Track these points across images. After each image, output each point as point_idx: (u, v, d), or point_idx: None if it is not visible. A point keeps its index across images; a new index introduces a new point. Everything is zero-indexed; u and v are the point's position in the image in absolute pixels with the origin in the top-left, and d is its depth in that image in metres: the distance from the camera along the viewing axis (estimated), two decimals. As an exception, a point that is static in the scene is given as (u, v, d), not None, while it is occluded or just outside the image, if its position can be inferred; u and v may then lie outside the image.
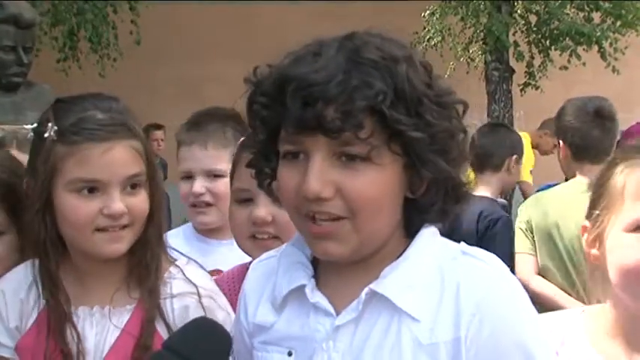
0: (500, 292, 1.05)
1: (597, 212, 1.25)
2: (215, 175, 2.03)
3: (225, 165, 2.02)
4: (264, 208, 1.53)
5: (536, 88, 8.76)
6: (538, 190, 3.90)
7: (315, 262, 1.12)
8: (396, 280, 1.05)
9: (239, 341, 1.20)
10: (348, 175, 1.01)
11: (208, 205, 1.99)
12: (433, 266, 1.06)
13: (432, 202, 1.05)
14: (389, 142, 1.00)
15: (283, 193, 1.06)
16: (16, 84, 4.50)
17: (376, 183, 1.01)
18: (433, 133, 1.01)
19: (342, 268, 1.09)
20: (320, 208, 1.01)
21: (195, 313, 1.37)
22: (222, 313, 1.41)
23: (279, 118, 1.02)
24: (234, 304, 1.46)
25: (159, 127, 7.24)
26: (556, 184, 3.43)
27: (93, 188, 1.34)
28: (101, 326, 1.38)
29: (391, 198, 1.03)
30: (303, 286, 1.09)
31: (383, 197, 1.02)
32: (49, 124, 1.36)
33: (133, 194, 1.37)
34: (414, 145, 1.00)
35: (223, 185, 2.00)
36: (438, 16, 8.57)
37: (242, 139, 1.66)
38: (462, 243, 1.11)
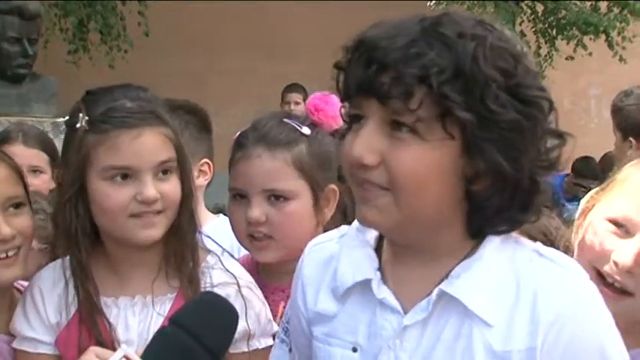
0: (581, 303, 1.02)
1: (600, 188, 1.30)
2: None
3: None
4: (257, 209, 1.53)
5: (542, 78, 8.70)
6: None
7: (378, 252, 1.09)
8: (468, 282, 1.01)
9: (296, 328, 1.18)
10: (393, 146, 0.98)
11: None
12: (507, 268, 1.02)
13: (489, 197, 1.00)
14: (442, 119, 0.96)
15: (343, 156, 1.05)
16: (21, 76, 4.50)
17: (421, 159, 0.97)
18: (493, 121, 0.96)
19: (405, 263, 1.06)
20: (364, 175, 1.00)
21: (235, 302, 1.38)
22: (259, 303, 1.43)
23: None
24: None
25: None
26: (567, 175, 3.39)
27: (125, 175, 1.36)
28: (144, 315, 1.40)
29: (438, 180, 0.99)
30: (368, 280, 1.06)
31: (426, 175, 0.98)
32: (80, 115, 1.38)
33: (165, 180, 1.39)
34: (467, 128, 0.96)
35: None
36: (444, 5, 8.53)
37: (237, 134, 1.66)
38: (538, 243, 1.07)
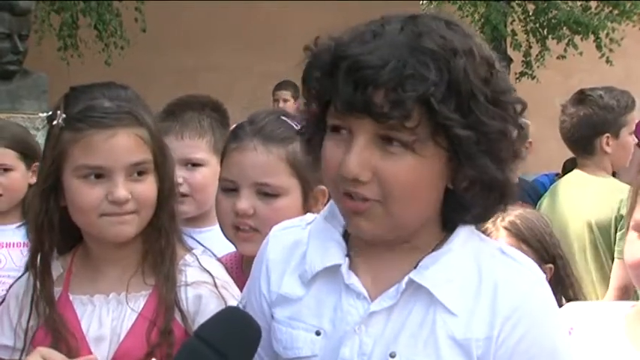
0: (536, 300, 1.07)
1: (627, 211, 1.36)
2: (192, 164, 2.02)
3: (202, 154, 2.02)
4: (246, 201, 1.53)
5: (532, 78, 8.75)
6: (534, 181, 3.89)
7: (346, 239, 1.11)
8: (437, 273, 1.05)
9: (255, 310, 1.19)
10: (387, 160, 1.00)
11: (184, 195, 1.96)
12: (472, 262, 1.06)
13: (475, 198, 1.04)
14: (434, 134, 0.98)
15: (325, 166, 1.06)
16: (11, 72, 4.48)
17: (414, 172, 1.00)
18: (484, 132, 0.99)
19: (375, 252, 1.09)
20: (355, 189, 1.01)
21: (208, 302, 1.39)
22: (235, 303, 1.40)
23: (331, 92, 1.01)
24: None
25: None
26: (557, 175, 3.42)
27: (99, 174, 1.37)
28: (118, 312, 1.40)
29: (428, 188, 1.03)
30: (337, 266, 1.09)
31: (419, 186, 1.01)
32: (58, 112, 1.39)
33: (138, 181, 1.39)
34: (462, 143, 0.99)
35: (200, 175, 2.01)
36: (435, 4, 8.54)
37: (233, 127, 1.66)
38: (501, 241, 1.12)
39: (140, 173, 1.39)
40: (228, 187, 1.57)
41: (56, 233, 1.42)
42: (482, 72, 1.00)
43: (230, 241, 1.62)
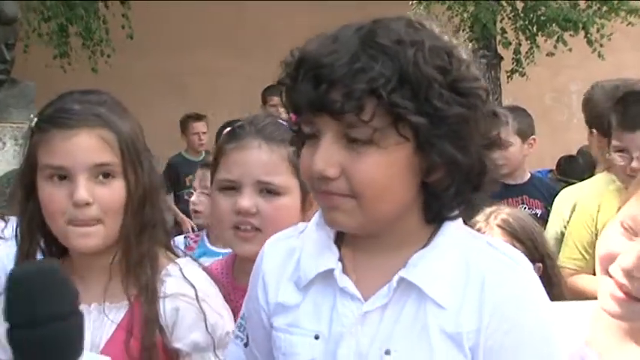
0: (524, 292, 1.08)
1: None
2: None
3: None
4: (249, 199, 1.52)
5: (522, 75, 8.77)
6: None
7: (338, 243, 1.14)
8: (425, 269, 1.07)
9: (255, 322, 1.20)
10: (352, 157, 1.03)
11: None
12: (460, 256, 1.09)
13: (446, 186, 1.06)
14: (395, 125, 1.01)
15: (301, 170, 1.10)
16: (-1, 81, 4.46)
17: (380, 166, 1.03)
18: (441, 118, 1.02)
19: (366, 253, 1.12)
20: (327, 187, 1.05)
21: (184, 314, 1.38)
22: (214, 316, 1.41)
23: (298, 97, 1.05)
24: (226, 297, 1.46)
25: (199, 117, 5.84)
26: (550, 171, 3.41)
27: (62, 176, 1.36)
28: (99, 322, 1.39)
29: (399, 182, 1.05)
30: (331, 270, 1.11)
31: (387, 180, 1.04)
32: (32, 116, 1.40)
33: (103, 184, 1.37)
34: (419, 129, 1.02)
35: None
36: (425, 4, 8.55)
37: (226, 130, 1.65)
38: (488, 234, 1.12)
39: (105, 176, 1.37)
40: (228, 187, 1.55)
41: (40, 237, 1.41)
42: (437, 61, 1.03)
43: (227, 244, 1.61)
